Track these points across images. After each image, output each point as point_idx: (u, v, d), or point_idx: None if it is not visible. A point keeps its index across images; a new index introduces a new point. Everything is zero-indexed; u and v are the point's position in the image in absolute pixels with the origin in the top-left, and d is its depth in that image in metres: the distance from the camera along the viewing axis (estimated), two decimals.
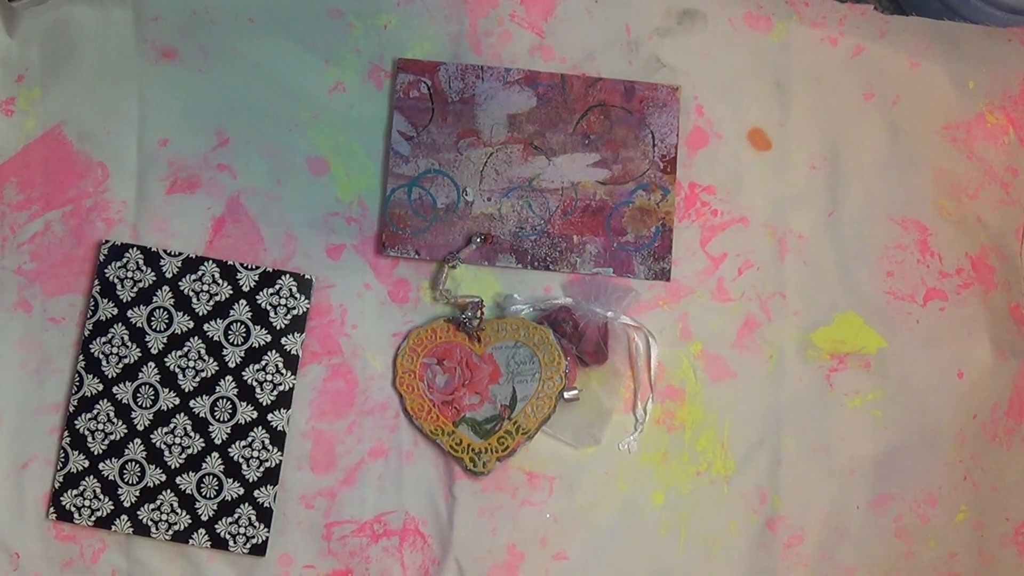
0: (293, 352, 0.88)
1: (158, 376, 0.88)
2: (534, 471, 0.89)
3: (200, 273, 0.89)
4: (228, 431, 0.88)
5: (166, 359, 0.88)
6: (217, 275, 0.89)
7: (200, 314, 0.88)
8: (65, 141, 0.91)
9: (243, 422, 0.88)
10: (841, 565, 0.89)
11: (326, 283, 0.90)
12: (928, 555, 0.90)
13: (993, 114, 0.94)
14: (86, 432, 0.87)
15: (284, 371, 0.88)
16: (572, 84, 0.91)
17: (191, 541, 0.87)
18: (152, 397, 0.88)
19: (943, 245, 0.92)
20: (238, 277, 0.89)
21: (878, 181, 0.93)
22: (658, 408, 0.90)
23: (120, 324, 0.88)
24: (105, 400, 0.88)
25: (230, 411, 0.88)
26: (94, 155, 0.91)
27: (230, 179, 0.91)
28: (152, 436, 0.88)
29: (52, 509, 0.87)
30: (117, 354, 0.88)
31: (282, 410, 0.88)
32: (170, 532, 0.87)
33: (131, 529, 0.87)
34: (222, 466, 0.87)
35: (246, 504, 0.87)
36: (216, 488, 0.87)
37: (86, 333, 0.88)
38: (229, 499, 0.87)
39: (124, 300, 0.88)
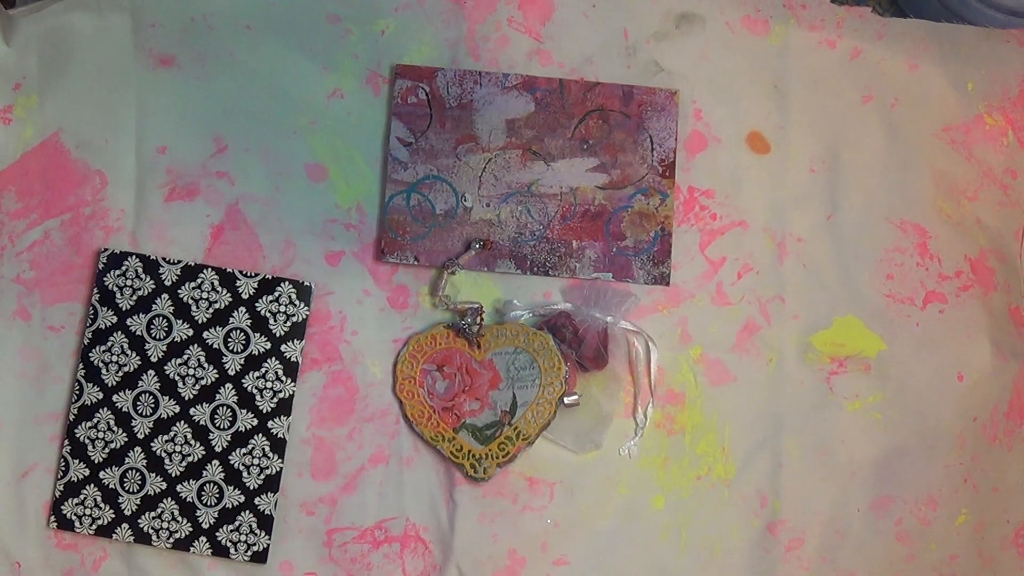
0: (293, 359, 0.88)
1: (158, 384, 0.88)
2: (535, 476, 0.89)
3: (199, 281, 0.89)
4: (228, 439, 0.88)
5: (166, 367, 0.88)
6: (216, 283, 0.89)
7: (199, 322, 0.88)
8: (63, 149, 0.91)
9: (243, 429, 0.88)
10: (842, 568, 0.89)
11: (325, 290, 0.90)
12: (929, 557, 0.90)
13: (992, 116, 0.94)
14: (86, 440, 0.87)
15: (284, 378, 0.88)
16: (570, 89, 0.91)
17: (192, 549, 0.87)
18: (152, 405, 0.88)
19: (942, 247, 0.92)
20: (237, 284, 0.89)
21: (877, 184, 0.93)
22: (658, 412, 0.90)
23: (119, 332, 0.88)
24: (105, 408, 0.88)
25: (230, 419, 0.88)
26: (92, 163, 0.90)
27: (229, 186, 0.91)
28: (152, 444, 0.88)
29: (53, 518, 0.87)
30: (117, 362, 0.88)
31: (282, 417, 0.88)
32: (171, 540, 0.87)
33: (132, 537, 0.87)
34: (223, 474, 0.87)
35: (247, 511, 0.87)
36: (217, 496, 0.87)
37: (85, 341, 0.88)
38: (230, 507, 0.87)
39: (123, 308, 0.88)
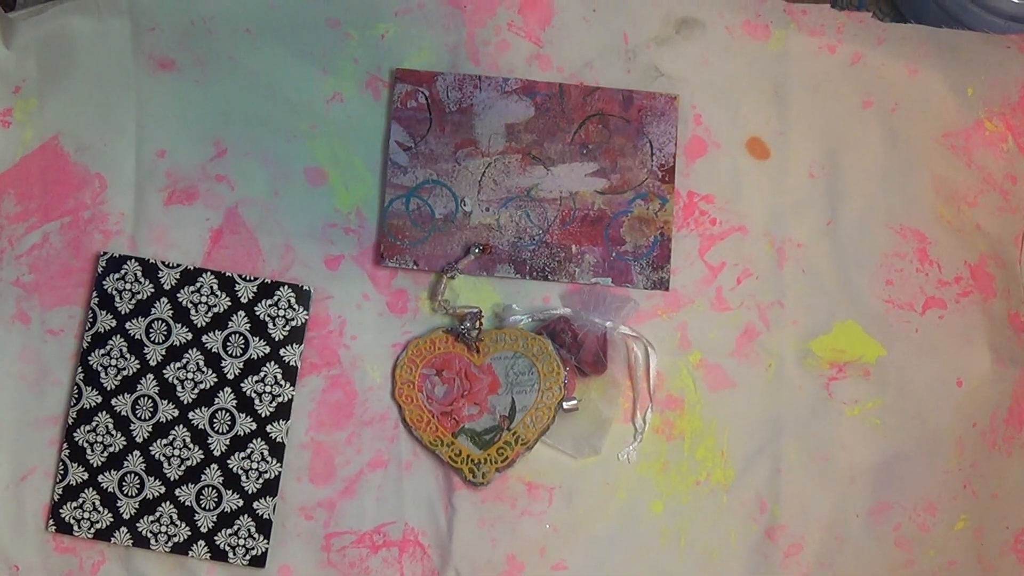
0: (292, 363, 0.88)
1: (157, 388, 0.88)
2: (533, 481, 0.89)
3: (198, 285, 0.89)
4: (227, 443, 0.88)
5: (165, 371, 0.88)
6: (215, 287, 0.89)
7: (199, 326, 0.88)
8: (62, 152, 0.91)
9: (242, 434, 0.88)
10: (841, 574, 0.89)
11: (324, 294, 0.90)
12: (928, 563, 0.90)
13: (992, 121, 0.94)
14: (85, 444, 0.87)
15: (283, 382, 0.88)
16: (570, 93, 0.91)
17: (190, 553, 0.87)
18: (151, 409, 0.88)
19: (942, 253, 0.92)
20: (236, 288, 0.89)
21: (877, 189, 0.93)
22: (657, 418, 0.90)
23: (119, 336, 0.88)
24: (104, 412, 0.88)
25: (229, 423, 0.88)
26: (92, 166, 0.90)
27: (228, 190, 0.91)
28: (151, 448, 0.88)
29: (51, 521, 0.87)
30: (116, 366, 0.88)
31: (281, 421, 0.88)
32: (169, 544, 0.87)
33: (130, 541, 0.87)
34: (221, 478, 0.87)
35: (245, 516, 0.87)
36: (215, 500, 0.87)
37: (85, 345, 0.88)
38: (228, 511, 0.87)
39: (122, 312, 0.88)
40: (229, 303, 0.89)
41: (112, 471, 0.87)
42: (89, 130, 0.91)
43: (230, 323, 0.88)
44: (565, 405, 0.88)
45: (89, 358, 0.88)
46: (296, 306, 0.89)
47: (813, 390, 0.91)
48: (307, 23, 0.92)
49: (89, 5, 0.91)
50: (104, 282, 0.89)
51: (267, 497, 0.87)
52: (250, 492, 0.87)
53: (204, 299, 0.89)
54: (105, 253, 0.89)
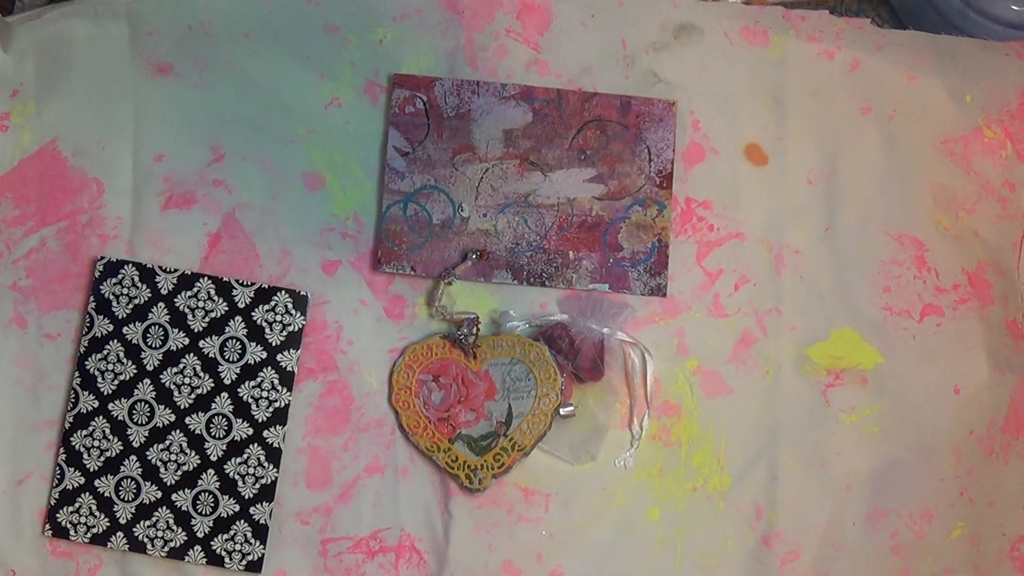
0: (289, 369, 0.88)
1: (154, 393, 0.88)
2: (530, 487, 0.89)
3: (195, 290, 0.89)
4: (224, 448, 0.88)
5: (161, 376, 0.88)
6: (212, 292, 0.89)
7: (195, 331, 0.88)
8: (60, 156, 0.91)
9: (239, 439, 0.88)
10: None
11: (322, 299, 0.90)
12: (924, 571, 0.90)
13: (991, 128, 0.94)
14: (82, 449, 0.87)
15: (280, 388, 0.88)
16: (568, 99, 0.91)
17: (187, 558, 0.87)
18: (148, 414, 0.88)
19: (940, 260, 0.92)
20: (233, 294, 0.89)
21: (875, 196, 0.93)
22: (654, 424, 0.90)
23: (115, 341, 0.88)
24: (101, 417, 0.88)
25: (226, 428, 0.88)
26: (89, 171, 0.90)
27: (226, 195, 0.91)
28: (148, 453, 0.88)
29: (48, 526, 0.87)
30: (112, 371, 0.88)
31: (278, 427, 0.88)
32: (166, 549, 0.87)
33: (127, 546, 0.87)
34: (218, 483, 0.87)
35: (242, 521, 0.87)
36: (212, 505, 0.87)
37: (81, 349, 0.88)
38: (225, 516, 0.87)
39: (119, 317, 0.88)
40: (226, 308, 0.89)
41: (109, 476, 0.87)
42: (87, 134, 0.91)
43: (227, 328, 0.88)
44: (562, 411, 0.88)
45: (86, 362, 0.88)
46: (293, 311, 0.89)
47: (810, 397, 0.91)
48: (305, 28, 0.92)
49: (87, 9, 0.91)
50: (101, 287, 0.89)
51: (264, 502, 0.87)
52: (247, 497, 0.87)
53: (201, 304, 0.89)
54: (102, 258, 0.89)
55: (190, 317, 0.88)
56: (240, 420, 0.88)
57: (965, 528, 0.90)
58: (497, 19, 0.92)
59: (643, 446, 0.90)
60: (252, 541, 0.87)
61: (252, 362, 0.88)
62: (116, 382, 0.88)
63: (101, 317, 0.88)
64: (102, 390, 0.88)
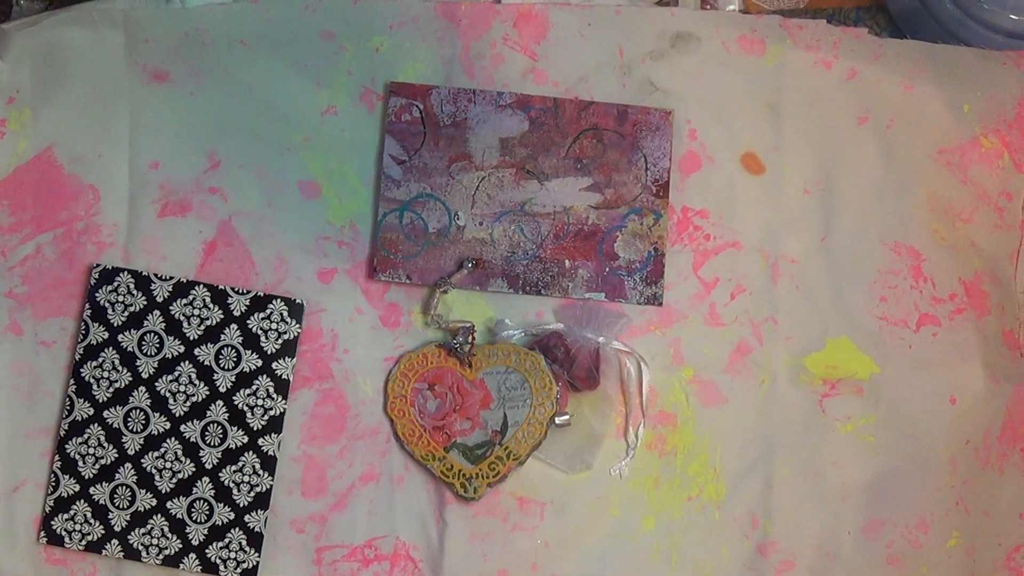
0: (284, 377, 0.88)
1: (149, 400, 0.88)
2: (525, 496, 0.89)
3: (191, 297, 0.89)
4: (219, 456, 0.88)
5: (157, 383, 0.88)
6: (208, 299, 0.89)
7: (191, 338, 0.88)
8: (56, 163, 0.91)
9: (234, 447, 0.88)
10: None
11: (317, 307, 0.90)
12: None
13: (988, 138, 0.93)
14: (77, 456, 0.87)
15: (275, 396, 0.88)
16: (564, 108, 0.91)
17: (182, 566, 0.87)
18: (143, 421, 0.88)
19: (936, 270, 0.92)
20: (229, 301, 0.89)
21: (872, 205, 0.92)
22: (650, 433, 0.90)
23: (111, 348, 0.88)
24: (96, 424, 0.88)
25: (221, 436, 0.88)
26: (85, 178, 0.90)
27: (221, 202, 0.91)
28: (143, 460, 0.88)
29: (43, 533, 0.87)
30: (108, 378, 0.88)
31: (273, 435, 0.88)
32: (161, 556, 0.87)
33: (122, 553, 0.87)
34: (213, 491, 0.87)
35: (237, 529, 0.87)
36: (207, 513, 0.87)
37: (77, 357, 0.88)
38: (220, 524, 0.87)
39: (115, 324, 0.88)
40: (222, 316, 0.89)
41: (104, 483, 0.87)
42: (83, 141, 0.91)
43: (222, 336, 0.88)
44: (557, 420, 0.88)
45: (81, 370, 0.88)
46: (288, 319, 0.89)
47: (806, 406, 0.91)
48: (301, 36, 0.92)
49: (84, 16, 0.91)
50: (97, 294, 0.89)
51: (258, 510, 0.87)
52: (242, 505, 0.87)
53: (197, 312, 0.89)
54: (98, 265, 0.89)
55: (185, 325, 0.88)
56: (235, 428, 0.88)
57: (961, 538, 0.90)
58: (494, 27, 0.92)
59: (638, 455, 0.90)
60: (247, 549, 0.87)
61: (247, 370, 0.88)
62: (111, 390, 0.88)
63: (96, 324, 0.88)
64: (97, 397, 0.88)
